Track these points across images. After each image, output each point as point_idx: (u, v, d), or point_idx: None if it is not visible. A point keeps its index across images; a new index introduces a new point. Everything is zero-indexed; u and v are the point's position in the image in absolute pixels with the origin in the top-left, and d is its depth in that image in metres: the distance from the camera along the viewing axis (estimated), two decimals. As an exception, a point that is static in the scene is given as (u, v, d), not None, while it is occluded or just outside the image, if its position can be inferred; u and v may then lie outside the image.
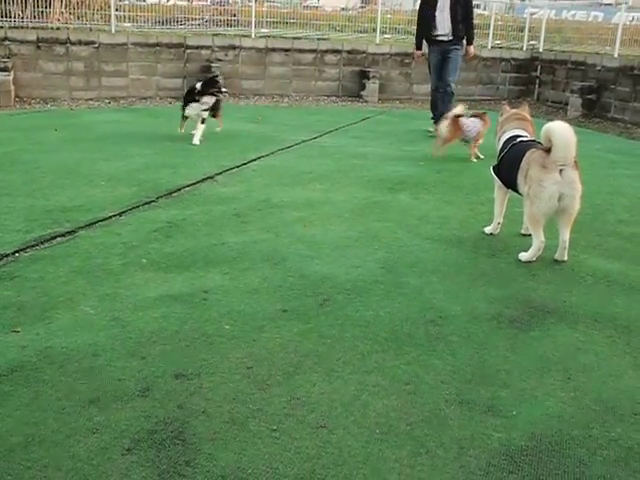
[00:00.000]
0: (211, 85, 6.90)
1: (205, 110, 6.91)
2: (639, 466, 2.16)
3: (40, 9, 10.33)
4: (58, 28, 10.32)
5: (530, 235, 4.04)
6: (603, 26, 14.78)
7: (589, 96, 10.98)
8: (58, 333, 2.84)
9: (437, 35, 7.95)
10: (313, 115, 9.84)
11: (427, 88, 9.18)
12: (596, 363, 2.82)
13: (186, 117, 7.05)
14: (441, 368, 2.70)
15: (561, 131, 3.71)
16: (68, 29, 10.33)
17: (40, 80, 9.96)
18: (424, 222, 4.68)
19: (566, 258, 4.00)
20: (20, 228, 4.13)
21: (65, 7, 10.80)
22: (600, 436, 2.31)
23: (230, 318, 3.05)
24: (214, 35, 11.31)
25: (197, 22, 11.98)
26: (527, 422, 2.36)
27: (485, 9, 16.35)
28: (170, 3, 13.14)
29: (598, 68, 11.11)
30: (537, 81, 12.71)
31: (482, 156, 6.82)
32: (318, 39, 12.00)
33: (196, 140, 6.86)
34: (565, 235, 3.95)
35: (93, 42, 10.21)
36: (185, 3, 13.17)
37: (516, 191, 4.15)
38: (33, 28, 10.11)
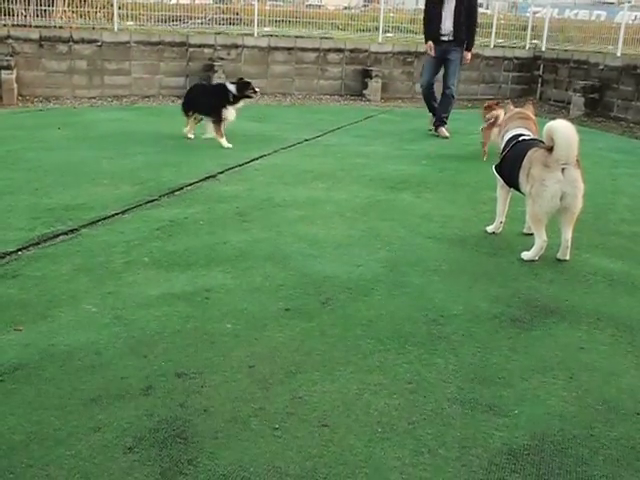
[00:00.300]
0: (245, 87, 6.93)
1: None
2: (641, 466, 2.16)
3: (43, 7, 10.34)
4: (61, 27, 10.33)
5: (532, 234, 4.03)
6: (606, 25, 14.77)
7: (592, 95, 10.96)
8: (60, 331, 2.84)
9: (441, 34, 7.95)
10: (315, 114, 9.83)
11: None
12: (598, 362, 2.81)
13: (198, 120, 7.04)
14: (443, 367, 2.70)
15: (563, 130, 3.70)
16: (71, 27, 10.34)
17: (43, 78, 9.97)
18: (426, 221, 4.68)
19: (568, 257, 3.99)
20: (23, 226, 4.13)
21: (68, 5, 10.81)
22: (602, 435, 2.30)
23: (232, 317, 3.05)
24: (217, 34, 11.30)
25: (200, 21, 11.98)
26: (529, 421, 2.36)
27: (488, 8, 16.35)
28: (173, 2, 13.15)
29: (601, 67, 11.08)
30: (540, 80, 12.68)
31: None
32: (321, 38, 11.99)
33: (227, 143, 6.80)
34: (567, 234, 3.94)
35: (96, 40, 10.22)
36: (188, 1, 13.18)
37: (518, 190, 4.15)
38: (36, 26, 10.12)
